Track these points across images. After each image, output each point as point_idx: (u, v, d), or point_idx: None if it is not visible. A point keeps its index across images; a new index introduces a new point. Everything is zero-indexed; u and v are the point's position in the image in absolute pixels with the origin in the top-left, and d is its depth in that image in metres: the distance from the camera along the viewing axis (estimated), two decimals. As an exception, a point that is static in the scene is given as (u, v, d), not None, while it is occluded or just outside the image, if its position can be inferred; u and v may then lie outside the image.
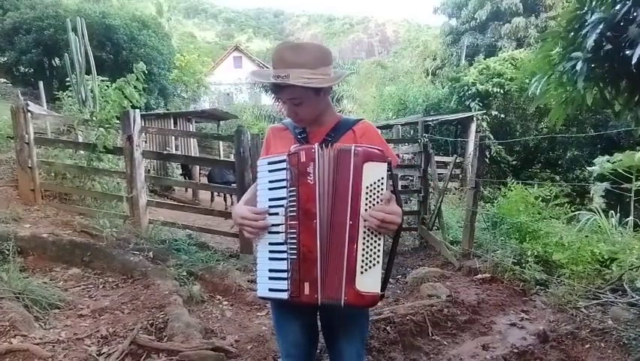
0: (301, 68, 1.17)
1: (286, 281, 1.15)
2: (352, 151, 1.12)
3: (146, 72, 4.91)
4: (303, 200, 1.14)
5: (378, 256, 1.12)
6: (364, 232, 1.11)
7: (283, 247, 1.16)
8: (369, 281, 1.11)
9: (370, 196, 1.11)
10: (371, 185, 1.11)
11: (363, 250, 1.11)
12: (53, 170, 4.93)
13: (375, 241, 1.12)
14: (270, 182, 1.19)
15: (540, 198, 4.67)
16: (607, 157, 4.95)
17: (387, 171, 1.12)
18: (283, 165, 1.17)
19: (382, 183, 1.12)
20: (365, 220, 1.10)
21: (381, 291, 1.13)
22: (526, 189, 4.71)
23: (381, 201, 1.12)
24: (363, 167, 1.11)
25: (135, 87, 4.90)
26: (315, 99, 1.25)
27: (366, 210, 1.11)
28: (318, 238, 1.13)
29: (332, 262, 1.13)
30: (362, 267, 1.10)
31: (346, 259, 1.11)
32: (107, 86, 7.15)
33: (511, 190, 4.68)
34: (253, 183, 1.42)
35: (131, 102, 4.89)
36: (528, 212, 4.32)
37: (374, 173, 1.11)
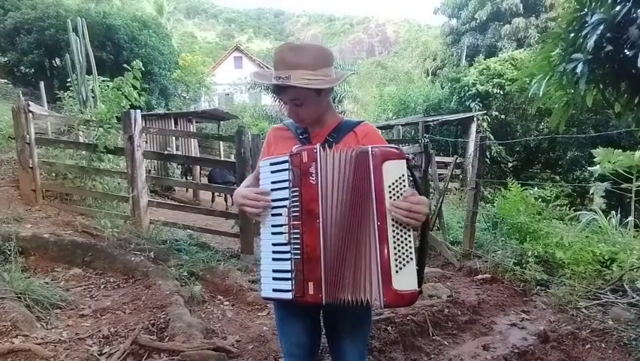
0: (302, 69, 1.17)
1: (290, 282, 1.15)
2: (370, 152, 1.11)
3: (147, 72, 4.91)
4: (305, 200, 1.14)
5: (410, 253, 1.11)
6: (393, 231, 1.10)
7: (286, 248, 1.16)
8: (406, 279, 1.10)
9: (394, 195, 1.11)
10: (393, 183, 1.11)
11: (395, 248, 1.10)
12: (54, 170, 4.94)
13: (406, 238, 1.11)
14: (273, 183, 1.20)
15: (540, 199, 4.68)
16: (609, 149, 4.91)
17: (407, 167, 1.12)
18: (286, 165, 1.17)
19: (404, 180, 1.11)
20: (392, 213, 1.09)
21: (418, 287, 1.12)
22: (525, 189, 4.71)
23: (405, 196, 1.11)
24: (382, 167, 1.10)
25: (133, 86, 4.88)
26: (316, 100, 1.25)
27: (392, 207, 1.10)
28: (321, 238, 1.13)
29: (347, 264, 1.12)
30: (397, 266, 1.09)
31: (379, 261, 1.10)
32: (107, 86, 7.15)
33: (510, 191, 4.68)
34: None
35: (130, 101, 4.88)
36: (528, 212, 4.32)
37: (394, 172, 1.11)
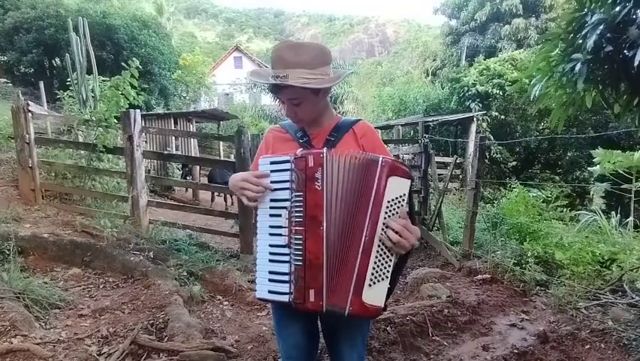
0: (300, 68, 1.15)
1: (287, 285, 1.14)
2: (380, 162, 1.09)
3: (146, 72, 4.90)
4: (310, 206, 1.11)
5: (387, 271, 1.11)
6: (379, 246, 1.10)
7: (285, 250, 1.15)
8: (375, 294, 1.10)
9: (390, 211, 1.09)
10: (393, 200, 1.09)
11: (375, 263, 1.10)
12: (54, 170, 4.93)
13: (388, 256, 1.11)
14: (273, 182, 1.18)
15: (542, 200, 4.68)
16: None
17: (409, 188, 1.11)
18: (287, 165, 1.15)
19: (403, 200, 1.10)
20: (383, 230, 1.08)
21: (384, 304, 1.13)
22: (529, 190, 4.71)
23: (400, 217, 1.10)
24: (388, 180, 1.09)
25: (131, 85, 4.86)
26: (315, 99, 1.24)
27: (384, 224, 1.09)
28: (324, 245, 1.11)
29: (342, 271, 1.11)
30: (371, 280, 1.09)
31: (357, 270, 1.09)
32: (106, 85, 7.14)
33: (513, 191, 4.68)
34: None
35: (128, 100, 4.86)
36: (529, 213, 4.32)
37: (397, 188, 1.09)
